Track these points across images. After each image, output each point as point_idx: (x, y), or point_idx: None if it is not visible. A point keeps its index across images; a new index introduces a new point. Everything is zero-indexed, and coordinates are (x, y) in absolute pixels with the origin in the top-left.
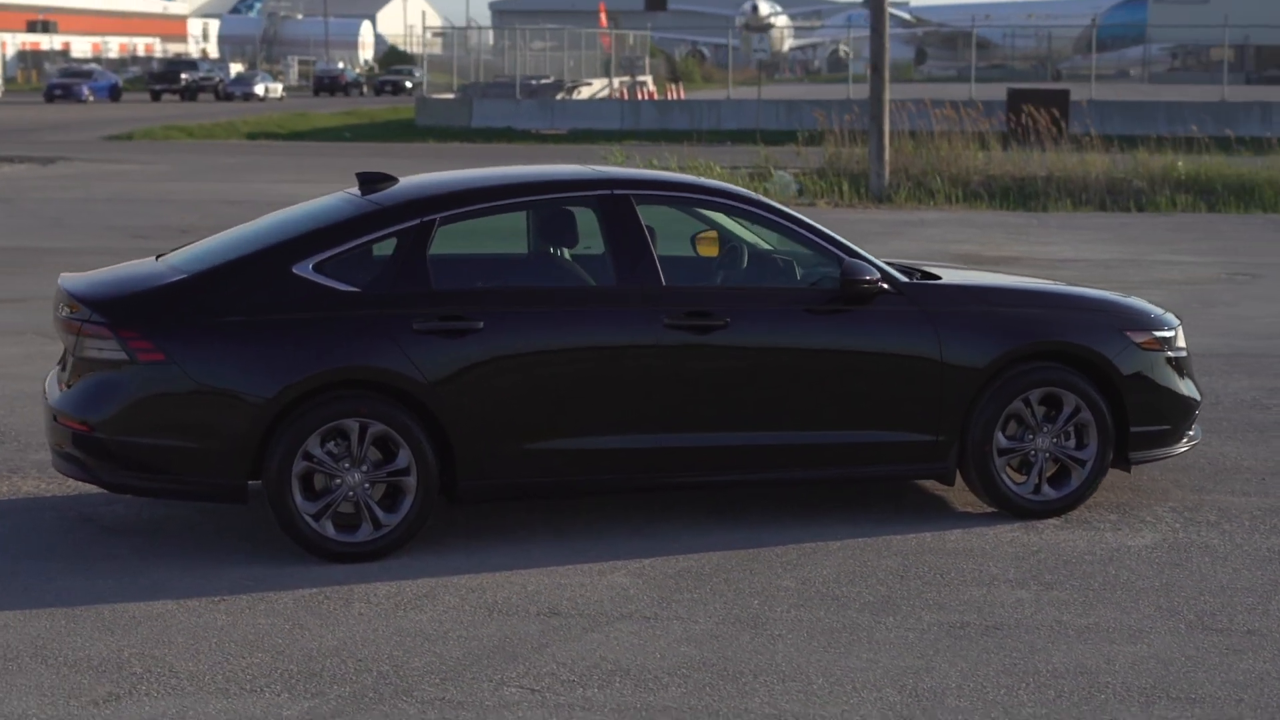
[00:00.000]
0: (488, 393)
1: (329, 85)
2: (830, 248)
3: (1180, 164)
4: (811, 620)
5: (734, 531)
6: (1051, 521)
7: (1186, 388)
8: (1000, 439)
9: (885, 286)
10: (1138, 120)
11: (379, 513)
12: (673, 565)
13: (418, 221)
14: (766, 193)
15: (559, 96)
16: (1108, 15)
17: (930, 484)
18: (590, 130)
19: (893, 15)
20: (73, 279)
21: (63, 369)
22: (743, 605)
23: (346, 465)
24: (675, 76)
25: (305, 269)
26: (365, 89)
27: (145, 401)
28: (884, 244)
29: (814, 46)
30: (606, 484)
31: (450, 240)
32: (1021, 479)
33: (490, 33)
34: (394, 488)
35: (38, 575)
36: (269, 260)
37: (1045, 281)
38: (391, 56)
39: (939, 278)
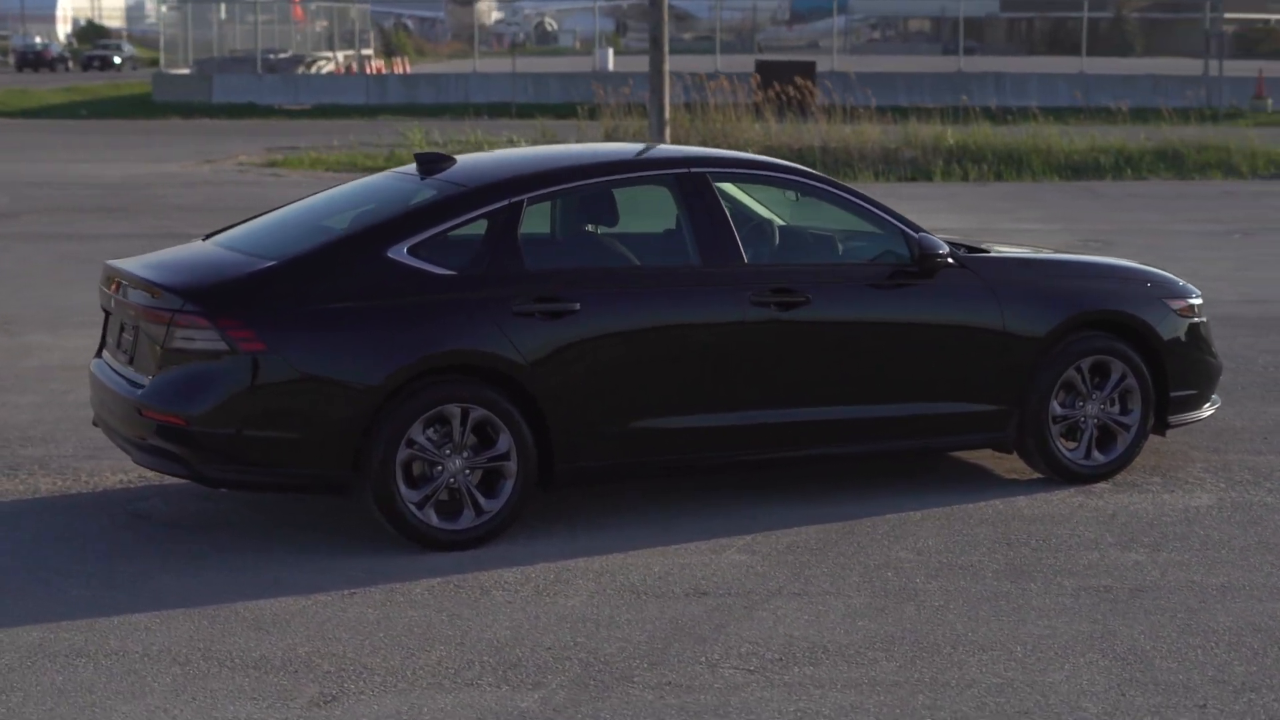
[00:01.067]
0: (584, 375)
1: (33, 61)
2: (897, 224)
3: (950, 134)
4: (961, 590)
5: (806, 507)
6: (1102, 486)
7: (1212, 353)
8: (1055, 407)
9: (950, 260)
10: (878, 91)
11: (481, 499)
12: (776, 541)
13: (507, 202)
14: None
15: (300, 71)
16: None
17: (961, 454)
18: (337, 105)
19: None
20: (139, 264)
21: (128, 358)
22: (880, 578)
23: (447, 451)
24: (392, 50)
25: (400, 253)
26: (72, 64)
27: (246, 392)
28: None
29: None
30: (695, 463)
31: (528, 221)
32: (1072, 445)
33: (221, 6)
34: (492, 473)
35: (134, 575)
36: (361, 244)
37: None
38: (91, 31)
39: (986, 251)
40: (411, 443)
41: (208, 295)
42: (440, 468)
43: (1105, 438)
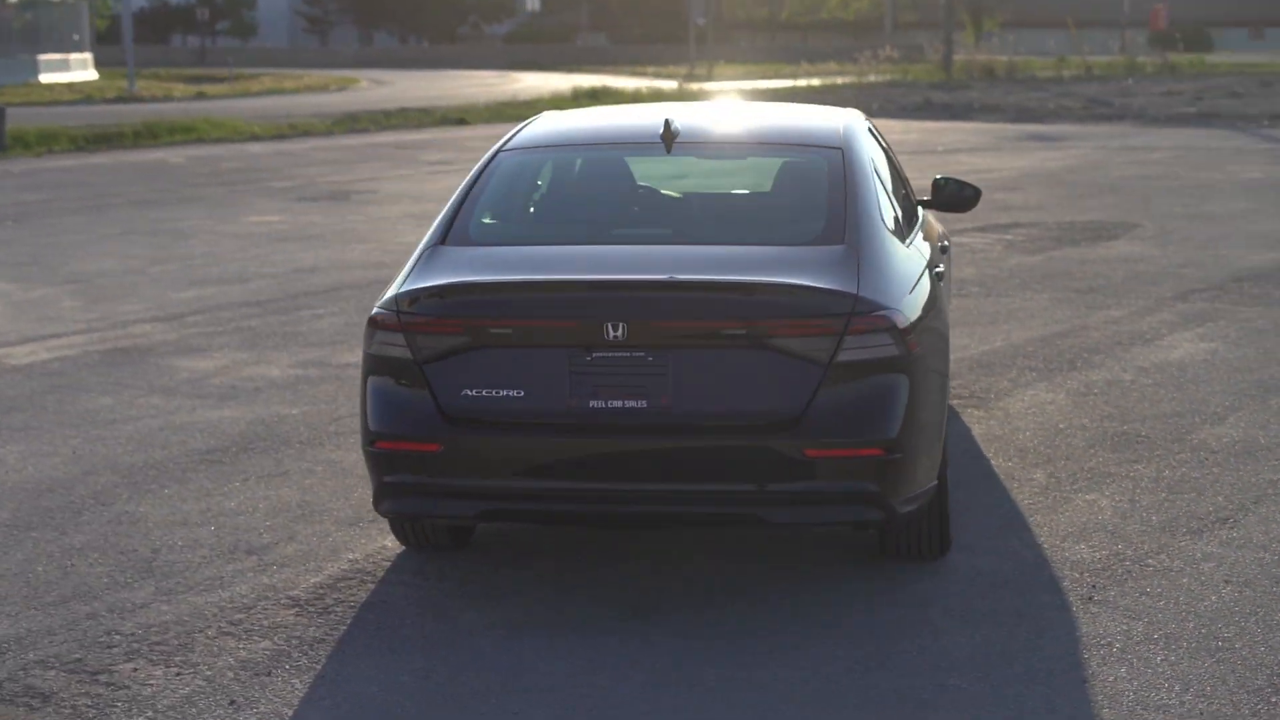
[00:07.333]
0: None
1: None
2: None
3: None
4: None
5: None
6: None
7: None
8: None
9: None
10: None
11: None
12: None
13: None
14: None
15: None
16: None
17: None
18: None
19: None
20: (692, 269)
21: (668, 397)
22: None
23: None
24: None
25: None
26: None
27: (912, 404)
28: None
29: None
30: None
31: None
32: None
33: None
34: None
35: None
36: (863, 212)
37: None
38: None
39: None
40: None
41: (874, 291)
42: None
43: None
